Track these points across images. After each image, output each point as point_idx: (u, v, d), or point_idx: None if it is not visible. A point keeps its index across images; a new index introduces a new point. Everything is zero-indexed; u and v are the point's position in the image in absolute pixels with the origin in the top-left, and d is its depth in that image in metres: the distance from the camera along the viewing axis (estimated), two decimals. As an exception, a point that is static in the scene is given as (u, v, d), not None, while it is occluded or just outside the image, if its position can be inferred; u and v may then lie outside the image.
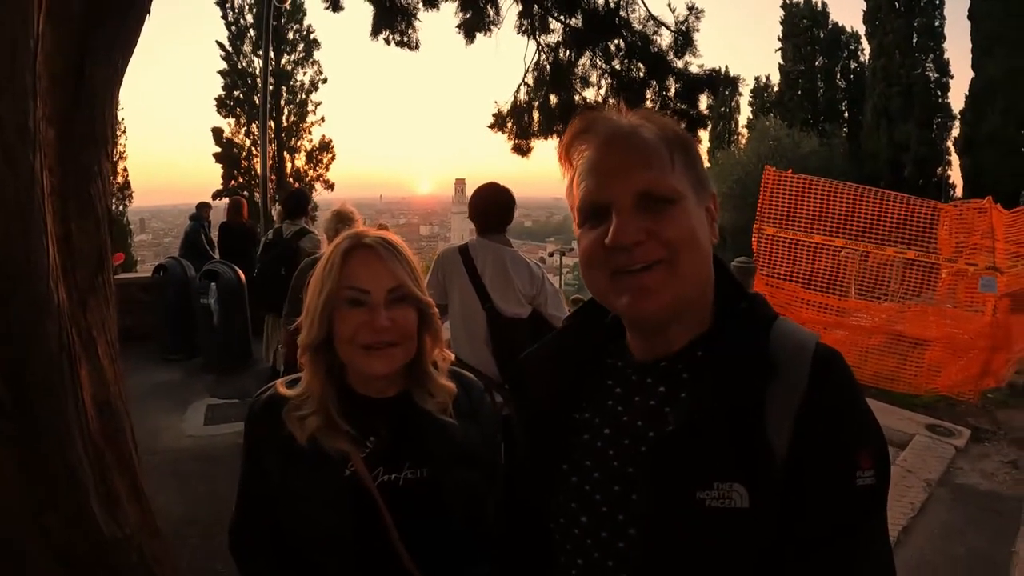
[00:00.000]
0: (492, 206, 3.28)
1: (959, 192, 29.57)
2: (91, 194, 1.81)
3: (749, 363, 0.86)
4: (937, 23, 31.46)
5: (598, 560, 0.92)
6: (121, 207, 28.01)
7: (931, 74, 31.34)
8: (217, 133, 26.95)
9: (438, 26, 7.77)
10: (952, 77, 31.66)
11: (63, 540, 1.60)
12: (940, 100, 31.42)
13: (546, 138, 7.77)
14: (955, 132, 30.18)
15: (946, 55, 31.46)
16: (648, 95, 7.25)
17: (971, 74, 27.93)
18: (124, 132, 28.28)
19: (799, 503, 0.80)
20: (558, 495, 0.98)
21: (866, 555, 0.81)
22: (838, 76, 36.03)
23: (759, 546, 0.81)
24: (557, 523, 0.98)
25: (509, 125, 7.96)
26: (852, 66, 35.82)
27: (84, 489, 1.64)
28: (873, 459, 0.82)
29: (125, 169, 28.22)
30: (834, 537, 0.80)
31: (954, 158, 30.22)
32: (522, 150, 7.96)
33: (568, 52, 7.36)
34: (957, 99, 31.78)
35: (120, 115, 27.28)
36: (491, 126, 8.15)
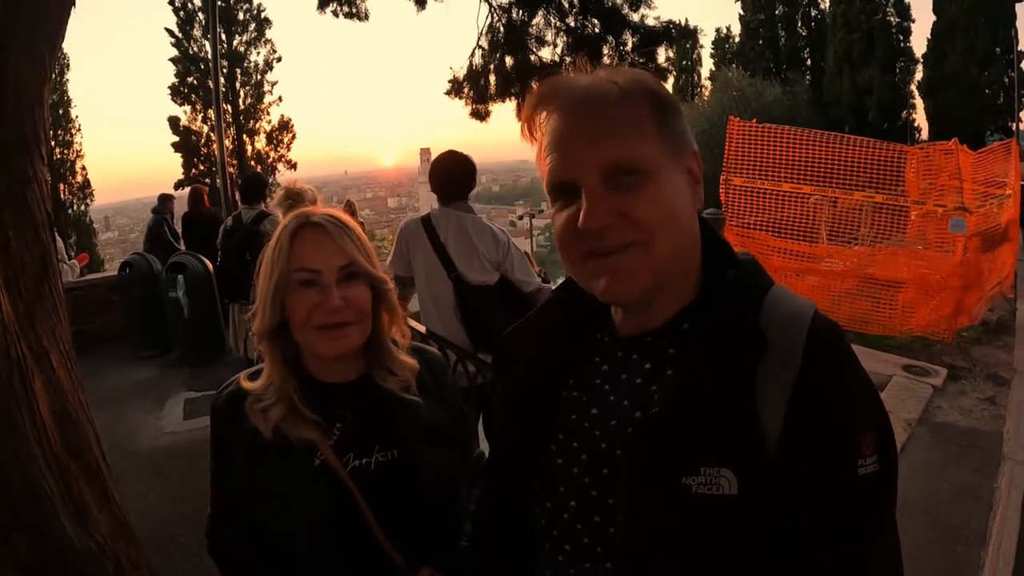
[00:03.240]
0: (451, 174, 3.23)
1: (925, 135, 29.97)
2: (27, 199, 1.71)
3: (738, 337, 0.80)
4: (896, -33, 31.52)
5: (587, 545, 0.88)
6: (83, 207, 27.51)
7: (892, 19, 31.50)
8: (174, 122, 26.43)
9: (387, -6, 7.60)
10: (913, 21, 31.89)
11: (33, 559, 1.55)
12: (902, 44, 31.65)
13: (503, 101, 7.73)
14: (918, 75, 30.49)
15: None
16: (605, 51, 7.19)
17: (932, 17, 28.13)
18: (79, 130, 27.73)
19: (797, 495, 0.75)
20: (545, 478, 0.94)
21: (872, 551, 0.76)
22: (799, 24, 36.03)
23: (749, 534, 0.76)
24: (544, 507, 0.94)
25: (466, 90, 7.90)
26: (813, 13, 35.82)
27: (51, 505, 1.58)
28: (875, 443, 0.76)
29: (84, 168, 27.74)
30: (837, 533, 0.75)
31: (919, 101, 30.57)
32: (480, 115, 7.91)
33: (521, 12, 7.27)
34: (919, 43, 31.88)
35: (74, 113, 26.96)
36: (448, 92, 8.09)
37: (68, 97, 27.10)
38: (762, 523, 0.76)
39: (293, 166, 28.73)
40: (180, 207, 9.09)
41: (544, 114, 0.87)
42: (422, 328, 3.22)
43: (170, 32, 26.19)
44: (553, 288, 1.10)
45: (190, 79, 26.48)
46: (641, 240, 0.80)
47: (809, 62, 35.93)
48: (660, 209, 0.81)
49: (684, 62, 39.40)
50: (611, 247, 0.81)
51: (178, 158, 26.51)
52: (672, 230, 0.82)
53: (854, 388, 0.79)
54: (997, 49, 26.82)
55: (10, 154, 1.68)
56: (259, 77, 27.76)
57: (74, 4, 1.87)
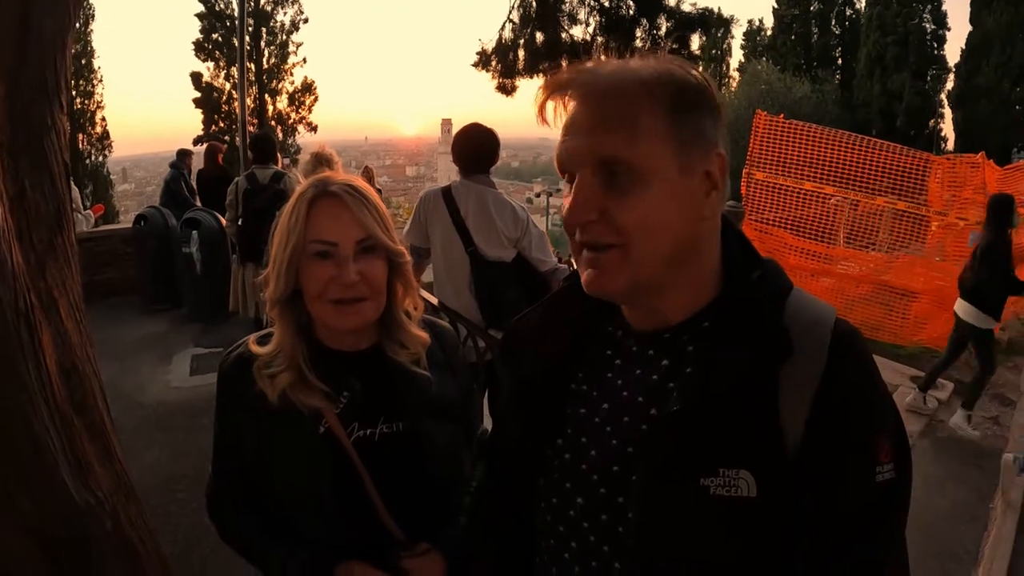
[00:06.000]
0: (475, 147, 3.20)
1: (950, 145, 29.64)
2: (45, 148, 1.69)
3: (762, 337, 0.78)
4: (936, -26, 30.94)
5: (594, 544, 0.87)
6: (101, 158, 27.60)
7: (928, 25, 30.98)
8: (196, 78, 26.40)
9: (420, -40, 7.52)
10: (949, 29, 31.36)
11: (34, 515, 1.55)
12: (936, 52, 31.12)
13: (531, 77, 7.69)
14: (949, 85, 30.05)
15: (944, 7, 31.12)
16: (638, 34, 7.11)
17: (968, 27, 27.64)
18: (101, 81, 27.74)
19: (813, 498, 0.75)
20: (551, 473, 0.92)
21: (883, 558, 0.76)
22: (833, 22, 35.47)
23: (766, 537, 0.75)
24: (549, 502, 0.93)
25: (494, 64, 7.85)
26: (847, 13, 35.24)
27: (53, 459, 1.58)
28: (892, 451, 0.76)
29: (103, 119, 27.74)
30: (852, 539, 0.74)
31: (947, 111, 30.15)
32: (506, 89, 7.87)
33: (555, -12, 7.17)
34: (953, 52, 31.25)
35: (96, 63, 26.96)
36: (475, 65, 8.04)
37: (91, 47, 27.09)
38: (779, 526, 0.75)
39: (314, 128, 28.76)
40: (199, 163, 9.08)
41: (563, 99, 0.84)
42: (434, 300, 3.22)
43: (197, -13, 26.10)
44: (568, 268, 1.08)
45: (215, 35, 26.43)
46: (619, 244, 0.78)
47: (840, 62, 35.41)
48: (644, 218, 0.77)
49: (714, 51, 38.85)
50: (592, 242, 0.80)
51: (199, 114, 26.57)
52: (653, 241, 0.79)
53: (875, 395, 0.78)
54: (1032, 65, 26.34)
55: (30, 102, 1.66)
56: (284, 37, 27.71)
57: None
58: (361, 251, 1.23)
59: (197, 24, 26.45)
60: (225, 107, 26.33)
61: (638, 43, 7.04)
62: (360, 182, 1.30)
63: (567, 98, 0.83)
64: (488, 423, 1.45)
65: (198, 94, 26.50)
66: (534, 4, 7.37)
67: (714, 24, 7.47)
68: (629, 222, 0.77)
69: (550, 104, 0.84)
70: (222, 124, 26.25)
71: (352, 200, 1.23)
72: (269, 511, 1.29)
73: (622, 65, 0.82)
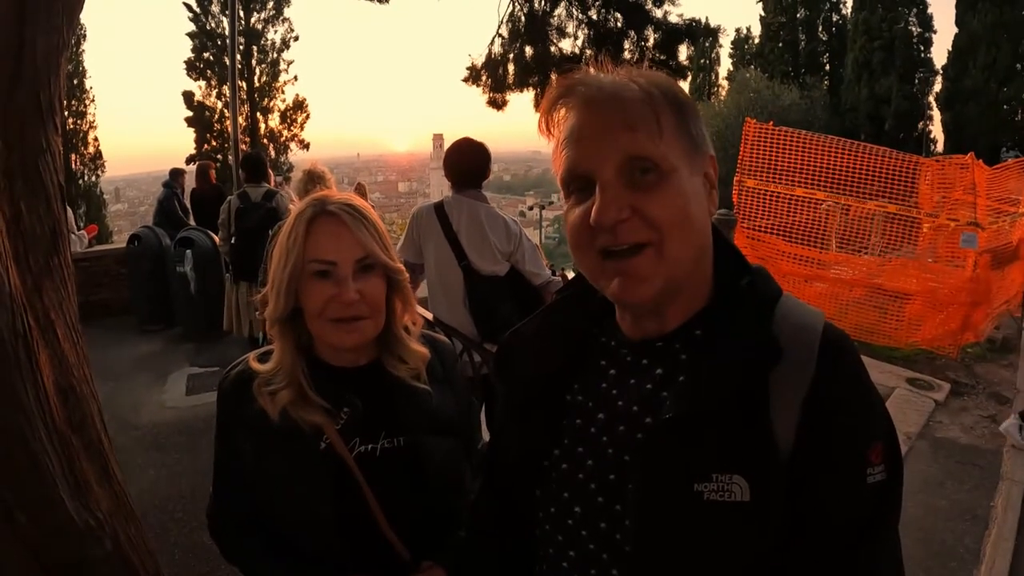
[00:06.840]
0: (466, 162, 3.21)
1: (940, 147, 29.84)
2: (40, 170, 1.70)
3: (752, 345, 0.79)
4: (921, -23, 31.33)
5: (593, 552, 0.87)
6: (94, 178, 27.67)
7: (914, 28, 31.36)
8: (188, 97, 26.52)
9: (409, -23, 7.58)
10: (935, 32, 31.76)
11: (34, 534, 1.55)
12: (922, 55, 31.46)
13: (521, 91, 7.72)
14: (937, 87, 30.35)
15: (929, 10, 31.48)
16: (626, 46, 7.16)
17: (954, 29, 27.97)
18: (93, 101, 27.83)
19: (806, 501, 0.75)
20: (549, 483, 0.93)
21: (877, 559, 0.77)
22: (819, 29, 35.84)
23: (760, 541, 0.76)
24: (547, 512, 0.93)
25: (484, 78, 7.89)
26: (834, 19, 35.61)
27: (51, 479, 1.57)
28: (884, 452, 0.77)
29: (96, 139, 27.83)
30: (845, 541, 0.75)
31: (936, 113, 30.44)
32: (497, 103, 7.89)
33: (543, 2, 7.23)
34: (940, 54, 31.58)
35: (88, 84, 27.07)
36: (465, 80, 8.07)
37: (83, 68, 27.19)
38: (773, 530, 0.75)
39: (306, 146, 28.87)
40: (192, 182, 9.08)
41: (563, 110, 0.85)
42: (429, 315, 3.22)
43: (188, 7, 26.27)
44: (562, 281, 1.08)
45: (206, 55, 26.59)
46: (654, 240, 0.79)
47: (828, 67, 35.74)
48: (675, 210, 0.79)
49: (703, 61, 39.19)
50: (623, 243, 0.79)
51: (191, 133, 26.68)
52: (686, 233, 0.81)
53: (865, 398, 0.79)
54: (1018, 65, 26.65)
55: (25, 124, 1.66)
56: (275, 55, 27.91)
57: None
58: (360, 270, 1.24)
59: (188, 43, 26.63)
60: (217, 126, 26.41)
61: (627, 55, 7.10)
62: (358, 200, 1.30)
63: (568, 108, 0.85)
64: (487, 437, 1.46)
65: (190, 113, 26.64)
66: (523, 19, 7.42)
67: (701, 34, 7.55)
68: (663, 216, 0.78)
69: (553, 114, 0.86)
70: (214, 143, 26.32)
71: (350, 219, 1.24)
72: (271, 529, 1.28)
73: (618, 75, 0.85)
